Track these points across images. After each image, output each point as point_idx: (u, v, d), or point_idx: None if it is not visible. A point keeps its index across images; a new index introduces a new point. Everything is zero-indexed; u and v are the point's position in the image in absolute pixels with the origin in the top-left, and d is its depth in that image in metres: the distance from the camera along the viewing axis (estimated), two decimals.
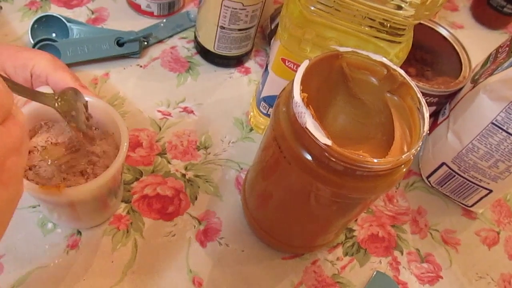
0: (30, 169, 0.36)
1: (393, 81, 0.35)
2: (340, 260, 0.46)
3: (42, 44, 0.53)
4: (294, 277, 0.44)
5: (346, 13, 0.38)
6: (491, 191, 0.49)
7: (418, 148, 0.31)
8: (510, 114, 0.43)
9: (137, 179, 0.47)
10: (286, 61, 0.43)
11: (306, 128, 0.30)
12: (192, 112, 0.54)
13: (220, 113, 0.54)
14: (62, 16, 0.55)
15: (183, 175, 0.48)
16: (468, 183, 0.50)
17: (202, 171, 0.49)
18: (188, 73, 0.57)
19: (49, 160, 0.37)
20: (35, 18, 0.54)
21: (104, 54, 0.55)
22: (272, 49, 0.46)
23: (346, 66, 0.35)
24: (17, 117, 0.21)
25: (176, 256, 0.43)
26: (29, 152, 0.37)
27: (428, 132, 0.32)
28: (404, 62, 0.41)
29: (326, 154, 0.30)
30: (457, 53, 0.56)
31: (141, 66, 0.56)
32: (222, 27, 0.52)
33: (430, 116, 0.33)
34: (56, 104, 0.31)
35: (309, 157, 0.32)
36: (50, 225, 0.42)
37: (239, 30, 0.53)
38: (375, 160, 0.30)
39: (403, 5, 0.36)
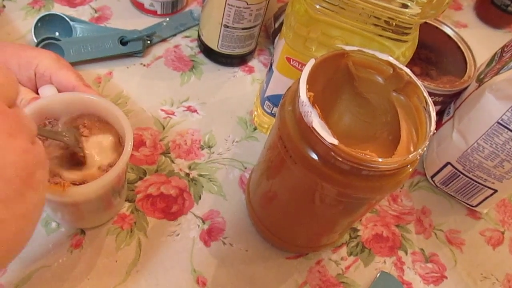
0: None
1: (399, 80, 0.35)
2: (345, 260, 0.46)
3: (45, 43, 0.53)
4: (299, 277, 0.44)
5: (351, 11, 0.37)
6: (496, 191, 0.49)
7: (425, 148, 0.31)
8: None
9: (140, 178, 0.47)
10: (291, 60, 0.43)
11: (312, 128, 0.30)
12: (195, 111, 0.53)
13: (224, 112, 0.54)
14: (65, 15, 0.55)
15: (187, 174, 0.48)
16: (472, 183, 0.49)
17: (206, 171, 0.49)
18: (191, 72, 0.57)
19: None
20: (38, 17, 0.54)
21: (108, 53, 0.54)
22: (276, 48, 0.46)
23: (352, 65, 0.35)
24: (39, 142, 0.27)
25: (180, 256, 0.43)
26: None
27: (434, 131, 0.32)
28: (409, 61, 0.41)
29: (332, 154, 0.30)
30: (462, 52, 0.56)
31: (144, 65, 0.56)
32: (226, 26, 0.52)
33: (435, 115, 0.33)
34: (65, 138, 0.36)
35: (315, 156, 0.32)
36: (53, 225, 0.42)
37: (243, 29, 0.53)
38: (381, 160, 0.30)
39: (409, 4, 0.36)
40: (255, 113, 0.53)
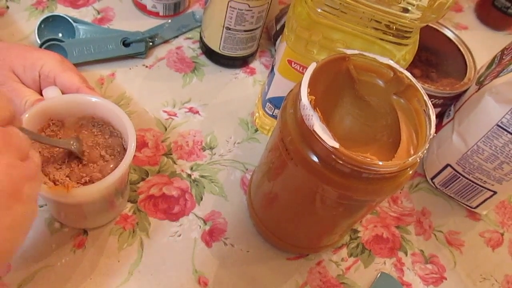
0: None
1: (400, 83, 0.35)
2: (345, 261, 0.47)
3: (48, 44, 0.53)
4: (299, 278, 0.44)
5: (353, 15, 0.38)
6: (495, 192, 0.49)
7: (425, 151, 0.31)
8: None
9: (143, 179, 0.47)
10: (293, 63, 0.43)
11: (314, 131, 0.30)
12: (197, 112, 0.54)
13: (225, 113, 0.55)
14: (68, 16, 0.55)
15: (189, 176, 0.48)
16: (472, 185, 0.50)
17: (207, 172, 0.49)
18: (193, 74, 0.57)
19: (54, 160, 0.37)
20: (42, 18, 0.55)
21: (110, 54, 0.55)
22: (278, 50, 0.46)
23: (353, 68, 0.35)
24: (33, 158, 0.28)
25: (182, 256, 0.43)
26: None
27: (434, 134, 0.32)
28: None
29: (333, 157, 0.30)
30: (462, 55, 0.56)
31: (147, 66, 0.57)
32: (228, 28, 0.52)
33: (435, 118, 0.33)
34: (73, 147, 0.38)
35: (315, 159, 0.32)
36: (57, 225, 0.43)
37: (245, 31, 0.53)
38: (382, 163, 0.30)
39: (410, 8, 0.36)
40: (257, 114, 0.54)
